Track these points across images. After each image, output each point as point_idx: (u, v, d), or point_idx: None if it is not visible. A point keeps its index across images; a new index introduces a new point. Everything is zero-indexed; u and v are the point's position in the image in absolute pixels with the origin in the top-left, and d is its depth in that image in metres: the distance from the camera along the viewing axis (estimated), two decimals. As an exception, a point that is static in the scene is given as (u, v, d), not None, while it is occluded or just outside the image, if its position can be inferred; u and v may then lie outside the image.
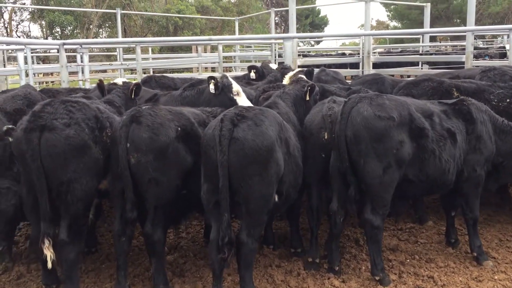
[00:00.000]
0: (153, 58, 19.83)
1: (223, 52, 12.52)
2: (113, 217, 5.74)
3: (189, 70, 19.96)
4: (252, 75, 8.06)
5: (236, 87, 5.69)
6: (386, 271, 4.55)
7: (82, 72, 11.98)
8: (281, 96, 5.12)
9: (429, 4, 17.76)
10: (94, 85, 9.65)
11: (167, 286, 4.34)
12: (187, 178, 4.23)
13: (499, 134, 4.88)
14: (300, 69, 7.38)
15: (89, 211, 4.43)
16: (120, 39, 15.90)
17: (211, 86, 5.65)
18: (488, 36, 29.82)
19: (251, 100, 5.98)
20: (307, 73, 6.96)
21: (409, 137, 4.26)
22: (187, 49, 28.63)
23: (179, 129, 4.20)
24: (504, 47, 18.83)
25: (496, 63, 13.68)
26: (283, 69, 7.61)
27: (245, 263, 3.96)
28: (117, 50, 17.34)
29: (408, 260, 4.93)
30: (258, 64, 8.95)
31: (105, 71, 17.13)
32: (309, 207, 4.79)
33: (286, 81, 6.55)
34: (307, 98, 5.17)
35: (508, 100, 5.49)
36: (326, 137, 4.51)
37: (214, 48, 25.11)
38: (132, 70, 20.17)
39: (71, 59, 13.15)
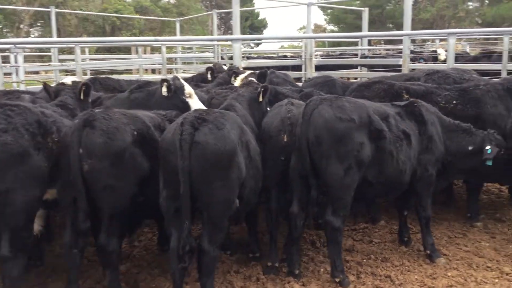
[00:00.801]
0: (90, 59, 19.12)
1: (164, 53, 12.22)
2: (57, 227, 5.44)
3: (128, 71, 19.41)
4: (209, 76, 7.93)
5: (188, 89, 5.55)
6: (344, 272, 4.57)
7: (17, 74, 11.28)
8: (237, 99, 5.03)
9: (367, 9, 18.33)
10: (29, 87, 9.17)
11: (123, 298, 4.13)
12: (143, 184, 4.04)
13: (447, 134, 5.05)
14: (252, 71, 7.34)
15: (32, 223, 4.10)
16: (58, 38, 15.20)
17: (164, 89, 5.47)
18: (418, 40, 31.28)
19: (203, 103, 5.86)
20: (260, 75, 6.93)
21: (369, 139, 4.31)
22: (125, 50, 27.88)
23: (135, 133, 4.01)
24: (435, 51, 19.80)
25: (431, 66, 14.34)
26: (232, 71, 7.54)
27: (207, 271, 3.84)
28: (52, 50, 16.55)
29: (365, 260, 4.99)
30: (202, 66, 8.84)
31: (37, 72, 16.30)
32: (268, 211, 4.73)
33: (237, 83, 6.50)
34: (260, 100, 5.11)
35: (454, 102, 5.70)
36: (285, 139, 4.48)
37: (154, 50, 24.64)
38: (68, 72, 19.33)
39: (3, 60, 12.38)
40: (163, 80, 5.46)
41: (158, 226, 5.33)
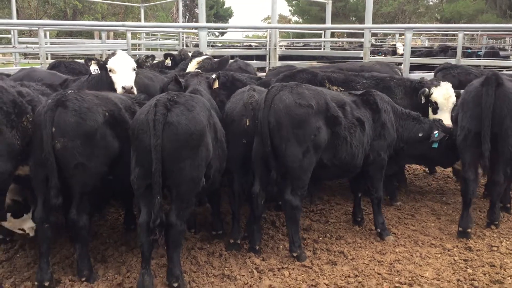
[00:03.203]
0: (51, 43, 18.78)
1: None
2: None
3: (90, 56, 19.16)
4: (168, 62, 8.07)
5: (111, 64, 5.63)
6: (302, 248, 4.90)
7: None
8: (201, 84, 5.30)
9: (330, 1, 18.72)
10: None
11: (92, 271, 4.33)
12: (113, 164, 4.24)
13: (400, 122, 5.49)
14: (207, 56, 7.55)
15: (4, 196, 4.28)
16: (20, 20, 14.91)
17: (93, 67, 5.63)
18: (380, 34, 32.10)
19: (162, 89, 6.08)
20: (222, 61, 7.17)
21: (325, 124, 4.64)
22: (87, 34, 27.40)
23: (107, 114, 4.19)
24: (395, 45, 20.48)
25: (390, 59, 14.89)
26: (196, 57, 7.72)
27: (174, 244, 4.07)
28: (12, 33, 16.18)
29: (321, 238, 5.34)
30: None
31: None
32: (231, 191, 5.01)
33: (193, 65, 6.71)
34: (215, 87, 5.43)
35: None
36: (248, 123, 4.74)
37: (117, 35, 24.34)
38: (27, 55, 18.90)
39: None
40: (88, 59, 5.62)
41: (124, 206, 5.51)
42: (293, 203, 4.60)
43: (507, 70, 11.20)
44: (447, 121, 6.07)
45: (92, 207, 4.33)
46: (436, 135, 5.46)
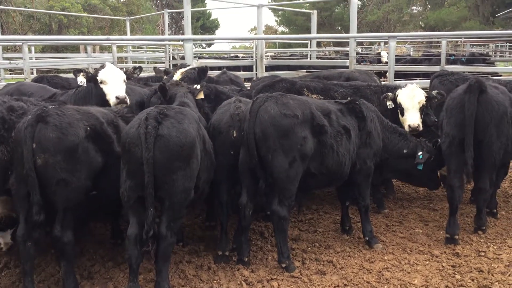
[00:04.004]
0: (36, 58, 18.66)
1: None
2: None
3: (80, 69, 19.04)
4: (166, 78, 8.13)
5: (102, 75, 5.67)
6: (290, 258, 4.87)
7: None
8: (187, 96, 5.31)
9: (315, 11, 18.86)
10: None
11: (78, 289, 4.25)
12: (97, 179, 4.19)
13: (386, 133, 5.51)
14: (192, 66, 7.58)
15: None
16: (4, 36, 14.76)
17: (81, 79, 5.63)
18: (365, 43, 32.40)
19: (143, 101, 6.14)
20: (200, 71, 7.19)
21: (311, 134, 4.64)
22: (73, 48, 27.29)
23: (89, 128, 4.15)
24: (380, 53, 20.69)
25: (375, 67, 15.03)
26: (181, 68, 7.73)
27: (164, 256, 4.06)
28: (-4, 48, 16.06)
29: (310, 248, 5.31)
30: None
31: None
32: (219, 203, 4.98)
33: (177, 76, 6.74)
34: (200, 97, 5.51)
35: (348, 98, 6.04)
36: (235, 135, 4.74)
37: (103, 49, 24.28)
38: (12, 70, 18.75)
39: None
40: (78, 71, 5.62)
41: (111, 221, 5.45)
42: (280, 213, 4.58)
43: (492, 76, 11.32)
44: (414, 120, 6.09)
45: (76, 223, 4.26)
46: (420, 157, 5.48)
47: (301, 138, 4.52)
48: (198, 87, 5.61)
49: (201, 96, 5.52)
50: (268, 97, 4.59)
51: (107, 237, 5.58)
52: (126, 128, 4.18)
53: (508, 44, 29.92)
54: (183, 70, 6.15)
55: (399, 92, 6.29)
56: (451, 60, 16.29)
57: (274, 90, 6.19)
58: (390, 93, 6.35)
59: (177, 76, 6.06)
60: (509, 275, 4.62)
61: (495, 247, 5.26)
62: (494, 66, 18.32)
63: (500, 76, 12.03)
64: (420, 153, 5.50)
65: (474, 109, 5.03)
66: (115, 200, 4.60)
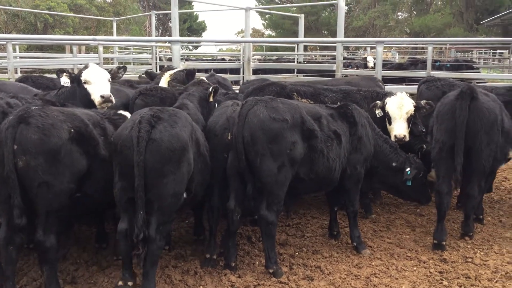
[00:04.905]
0: (21, 57, 18.39)
1: (100, 54, 12.06)
2: None
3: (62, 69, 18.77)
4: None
5: (85, 75, 5.59)
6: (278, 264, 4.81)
7: None
8: (188, 98, 5.33)
9: (303, 15, 18.91)
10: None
11: (60, 294, 4.15)
12: (81, 181, 4.10)
13: (377, 140, 5.48)
14: (180, 69, 7.53)
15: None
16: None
17: (64, 79, 5.55)
18: (351, 47, 32.61)
19: (127, 104, 6.08)
20: (188, 73, 7.14)
21: (301, 138, 4.58)
22: (58, 48, 26.96)
23: (72, 130, 4.04)
24: (366, 58, 20.82)
25: (362, 72, 15.10)
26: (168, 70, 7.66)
27: (152, 259, 4.00)
28: (-21, 47, 15.79)
29: (297, 253, 5.27)
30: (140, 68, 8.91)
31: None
32: (209, 206, 4.93)
33: (165, 78, 6.69)
34: (211, 100, 5.46)
35: (338, 103, 6.04)
36: (229, 137, 4.68)
37: (89, 49, 24.02)
38: (-1, 70, 18.42)
39: None
40: (61, 71, 5.54)
41: (95, 224, 5.34)
42: (268, 218, 4.52)
43: (477, 82, 11.43)
44: (401, 131, 6.07)
45: (60, 226, 4.15)
46: (408, 173, 5.47)
47: (290, 142, 4.46)
48: (210, 88, 5.62)
49: (211, 98, 5.53)
50: (258, 101, 4.53)
51: (91, 241, 5.47)
52: (119, 129, 4.15)
53: (491, 51, 30.38)
54: (171, 72, 6.08)
55: (387, 100, 6.24)
56: (436, 66, 16.47)
57: (264, 94, 6.15)
58: (379, 102, 6.31)
59: (165, 78, 5.99)
60: (496, 282, 4.62)
61: (482, 253, 5.27)
62: (479, 72, 18.56)
63: (486, 82, 12.15)
64: (408, 169, 5.48)
65: (465, 116, 5.03)
66: (100, 203, 4.54)
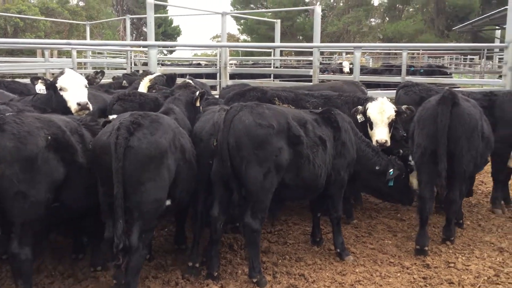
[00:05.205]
0: (-10, 62, 17.85)
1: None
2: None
3: (37, 76, 18.31)
4: (125, 82, 7.90)
5: (61, 82, 5.44)
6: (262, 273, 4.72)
7: None
8: (174, 102, 5.26)
9: (279, 20, 18.95)
10: None
11: (35, 308, 3.97)
12: (59, 190, 3.94)
13: (360, 145, 5.46)
14: (159, 74, 7.42)
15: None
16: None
17: (39, 86, 5.40)
18: (326, 53, 32.86)
19: (105, 108, 5.96)
20: (169, 78, 7.04)
21: (287, 144, 4.50)
22: (29, 53, 26.34)
23: (49, 137, 3.89)
24: (341, 63, 20.98)
25: (338, 77, 15.17)
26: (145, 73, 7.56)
27: (134, 269, 3.91)
28: None
29: (280, 261, 5.19)
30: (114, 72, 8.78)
31: None
32: (194, 212, 4.84)
33: (145, 82, 6.59)
34: (198, 104, 5.40)
35: (320, 108, 6.04)
36: (215, 143, 4.58)
37: (61, 53, 23.53)
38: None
39: None
40: (36, 78, 5.40)
41: (72, 234, 5.15)
42: (253, 226, 4.42)
43: (451, 87, 11.61)
44: (382, 136, 6.06)
45: (36, 237, 3.98)
46: (391, 173, 5.48)
47: (276, 148, 4.38)
48: (197, 93, 5.57)
49: (198, 103, 5.48)
50: (243, 106, 4.44)
51: (67, 252, 5.27)
52: (98, 135, 4.08)
53: (462, 56, 31.06)
54: (151, 77, 5.96)
55: (369, 105, 6.23)
56: (410, 71, 16.68)
57: (245, 99, 6.08)
58: (360, 107, 6.31)
59: (144, 83, 5.87)
60: (478, 287, 4.64)
61: (463, 258, 5.29)
62: (451, 77, 18.92)
63: (458, 87, 12.36)
64: (391, 170, 5.50)
65: (447, 121, 5.06)
66: (78, 213, 4.38)
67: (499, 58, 25.41)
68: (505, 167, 6.80)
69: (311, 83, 10.46)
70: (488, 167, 6.94)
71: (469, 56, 30.62)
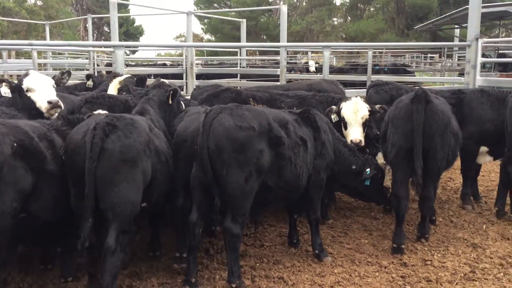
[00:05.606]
0: None
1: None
2: None
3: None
4: (90, 83, 7.64)
5: (27, 83, 5.21)
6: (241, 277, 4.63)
7: None
8: (149, 102, 5.17)
9: (244, 20, 18.88)
10: None
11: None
12: (26, 200, 3.72)
13: (337, 145, 5.45)
14: (129, 75, 7.23)
15: None
16: None
17: (4, 89, 5.20)
18: (290, 52, 33.02)
19: (73, 110, 5.78)
20: (139, 80, 6.87)
21: (268, 146, 4.40)
22: (-16, 54, 25.31)
23: (15, 144, 3.66)
24: (307, 63, 21.11)
25: (305, 76, 15.23)
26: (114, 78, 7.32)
27: (112, 271, 3.84)
28: None
29: (258, 264, 5.11)
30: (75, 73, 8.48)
31: None
32: (173, 215, 4.78)
33: (114, 84, 6.41)
34: (170, 102, 5.30)
35: (295, 108, 6.06)
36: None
37: (19, 54, 22.72)
38: None
39: None
40: (0, 81, 5.18)
41: (38, 245, 4.90)
42: (233, 230, 4.31)
43: (416, 86, 11.82)
44: (357, 135, 6.09)
45: (3, 250, 3.75)
46: (367, 173, 5.51)
47: (257, 151, 4.28)
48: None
49: (170, 100, 5.37)
50: (223, 109, 4.31)
51: (35, 262, 5.02)
52: (71, 134, 4.07)
53: (423, 55, 31.84)
54: (120, 79, 5.78)
55: (343, 105, 6.24)
56: (375, 69, 16.92)
57: (219, 100, 5.98)
58: (334, 107, 6.30)
59: (114, 84, 5.68)
60: (456, 284, 4.68)
61: (439, 255, 5.33)
62: (414, 76, 19.33)
63: (423, 85, 12.61)
64: (367, 169, 5.53)
65: (422, 119, 5.09)
66: (48, 223, 4.16)
67: (459, 56, 26.22)
68: (474, 163, 6.95)
69: (289, 83, 10.39)
70: (456, 164, 7.06)
71: (429, 55, 31.44)
